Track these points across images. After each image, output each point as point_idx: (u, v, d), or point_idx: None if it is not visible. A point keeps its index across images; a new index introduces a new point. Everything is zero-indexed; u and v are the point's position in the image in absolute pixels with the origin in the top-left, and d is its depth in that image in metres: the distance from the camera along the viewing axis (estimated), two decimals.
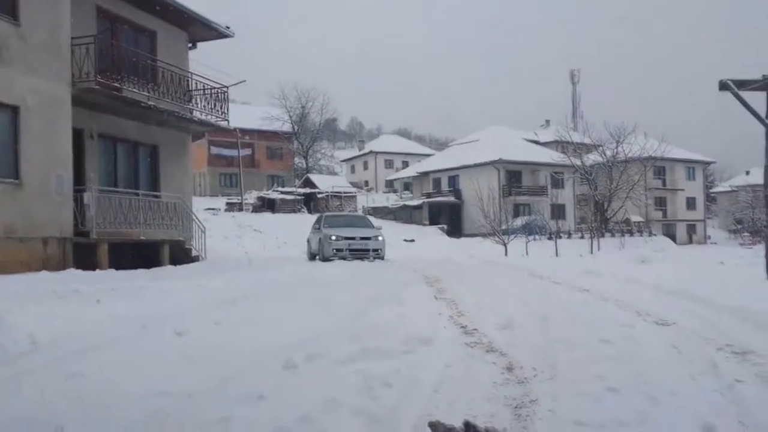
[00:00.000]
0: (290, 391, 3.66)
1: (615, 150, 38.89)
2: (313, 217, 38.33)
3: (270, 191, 47.03)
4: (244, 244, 27.01)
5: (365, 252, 17.35)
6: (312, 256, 19.30)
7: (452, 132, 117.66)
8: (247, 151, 55.21)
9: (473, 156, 46.56)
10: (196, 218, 15.65)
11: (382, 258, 17.64)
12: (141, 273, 10.29)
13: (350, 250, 17.13)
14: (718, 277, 8.39)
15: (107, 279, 9.02)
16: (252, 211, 40.77)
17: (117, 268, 10.98)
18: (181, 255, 14.01)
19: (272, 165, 59.09)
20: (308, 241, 20.21)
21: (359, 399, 3.50)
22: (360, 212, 47.31)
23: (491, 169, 44.10)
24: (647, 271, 9.36)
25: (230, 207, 40.87)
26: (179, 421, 3.21)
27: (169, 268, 11.87)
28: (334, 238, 17.22)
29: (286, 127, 56.27)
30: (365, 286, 9.20)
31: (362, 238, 17.60)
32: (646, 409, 3.44)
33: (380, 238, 17.93)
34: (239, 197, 43.78)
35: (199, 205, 29.72)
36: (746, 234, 47.97)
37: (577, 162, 40.36)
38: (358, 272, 12.59)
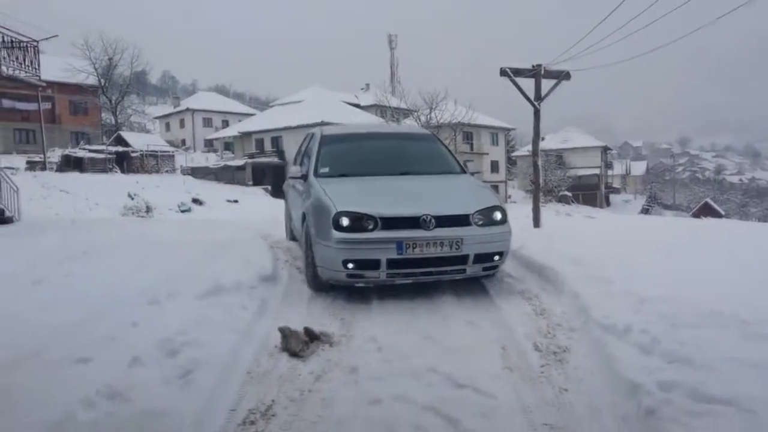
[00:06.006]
0: (161, 318, 4.37)
1: (428, 116, 41.64)
2: (129, 178, 36.49)
3: (77, 149, 43.59)
4: (51, 205, 25.16)
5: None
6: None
7: (273, 91, 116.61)
8: (46, 106, 50.15)
9: (296, 117, 47.02)
10: (7, 178, 14.71)
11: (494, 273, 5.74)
12: None
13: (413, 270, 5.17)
14: None
15: None
16: (56, 170, 37.74)
17: None
18: None
19: (76, 121, 54.19)
20: (290, 211, 8.38)
21: (224, 317, 4.37)
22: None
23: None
24: None
25: (32, 166, 37.42)
26: (70, 341, 3.82)
27: None
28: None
29: (92, 80, 51.82)
30: (204, 241, 9.64)
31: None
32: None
33: (499, 215, 5.52)
34: (41, 155, 40.06)
35: None
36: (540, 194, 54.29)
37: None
38: (191, 231, 12.82)
